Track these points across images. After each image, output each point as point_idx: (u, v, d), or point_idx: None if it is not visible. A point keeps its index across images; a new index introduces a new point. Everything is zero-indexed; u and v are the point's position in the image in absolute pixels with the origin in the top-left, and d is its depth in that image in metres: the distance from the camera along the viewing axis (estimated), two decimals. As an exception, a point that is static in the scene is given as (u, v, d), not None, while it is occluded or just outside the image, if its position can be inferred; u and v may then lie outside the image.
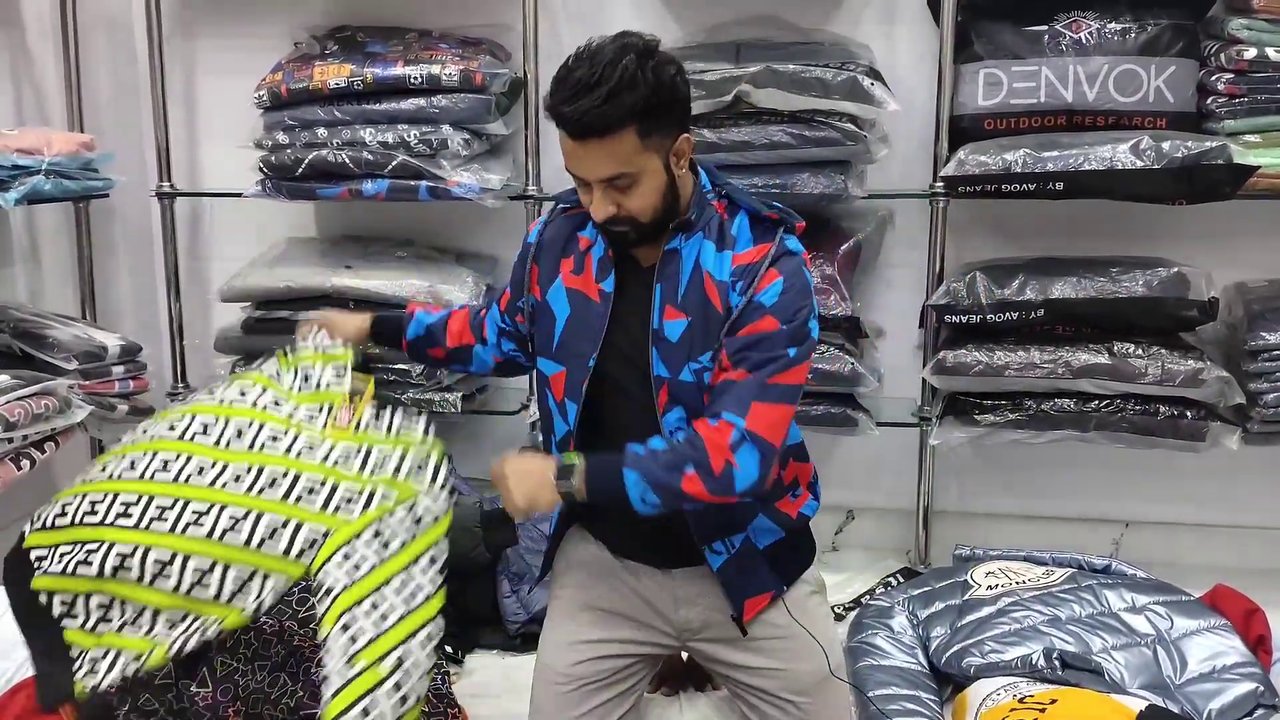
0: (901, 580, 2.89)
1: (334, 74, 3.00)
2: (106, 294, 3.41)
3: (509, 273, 3.24)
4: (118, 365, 3.00)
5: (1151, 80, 2.78)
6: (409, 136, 2.98)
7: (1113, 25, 2.79)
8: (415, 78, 2.96)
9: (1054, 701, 2.06)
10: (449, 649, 2.56)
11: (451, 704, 2.37)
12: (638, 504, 1.75)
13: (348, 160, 3.00)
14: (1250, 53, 2.68)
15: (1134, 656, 2.29)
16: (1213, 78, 2.75)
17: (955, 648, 2.38)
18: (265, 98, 3.07)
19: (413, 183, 2.99)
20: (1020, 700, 2.08)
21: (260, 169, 3.11)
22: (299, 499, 1.81)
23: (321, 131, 3.04)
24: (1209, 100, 2.77)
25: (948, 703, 2.34)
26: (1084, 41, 2.79)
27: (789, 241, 1.85)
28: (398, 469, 1.84)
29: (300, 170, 3.04)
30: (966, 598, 2.55)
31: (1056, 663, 2.22)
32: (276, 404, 1.95)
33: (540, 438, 3.04)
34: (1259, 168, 2.66)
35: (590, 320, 1.88)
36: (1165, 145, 2.66)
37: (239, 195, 3.19)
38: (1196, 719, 2.14)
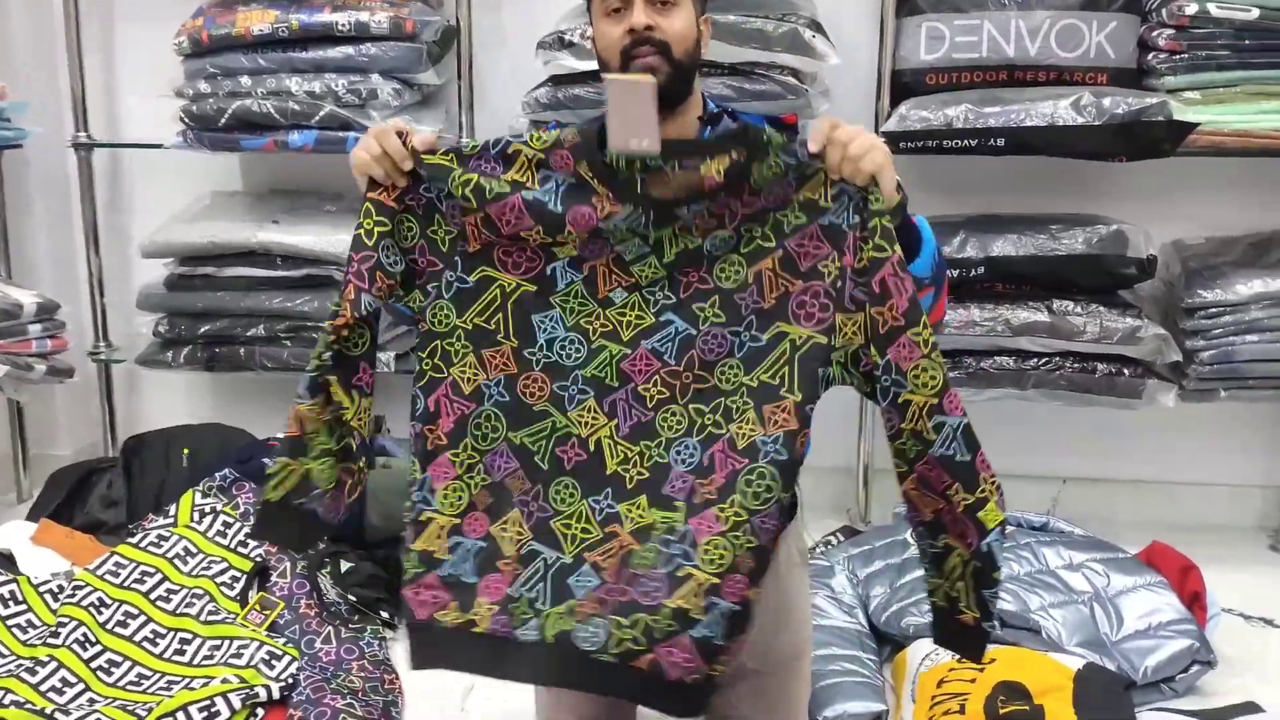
0: (841, 539, 2.89)
1: (258, 20, 2.89)
2: (22, 249, 3.29)
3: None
4: (34, 324, 2.91)
5: (1093, 35, 2.76)
6: (337, 86, 2.88)
7: (1055, -21, 2.76)
8: (343, 25, 2.86)
9: (992, 661, 2.06)
10: (384, 614, 2.50)
11: (389, 670, 2.33)
12: (927, 259, 1.67)
13: (273, 110, 2.90)
14: (1191, 8, 2.66)
15: (1071, 614, 2.29)
16: (1154, 33, 2.74)
17: (894, 607, 2.38)
18: (186, 45, 2.96)
19: (341, 134, 2.90)
20: (959, 660, 2.08)
21: (181, 119, 3.00)
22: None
23: (245, 80, 2.93)
24: (1150, 56, 2.76)
25: (887, 662, 2.34)
26: (1027, -5, 2.76)
27: None
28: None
29: (223, 121, 2.93)
30: (906, 556, 2.55)
31: (995, 621, 2.22)
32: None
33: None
34: (1198, 124, 2.65)
35: None
36: (1105, 101, 2.65)
37: (160, 146, 3.08)
38: (1133, 675, 2.16)
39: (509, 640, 1.62)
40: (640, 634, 1.55)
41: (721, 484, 1.58)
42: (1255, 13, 2.66)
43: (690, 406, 1.61)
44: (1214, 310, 2.76)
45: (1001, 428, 3.14)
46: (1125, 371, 2.79)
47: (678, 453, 1.62)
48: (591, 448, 1.62)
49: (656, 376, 1.61)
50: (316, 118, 2.88)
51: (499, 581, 1.64)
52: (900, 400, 1.57)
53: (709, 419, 1.61)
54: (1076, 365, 2.81)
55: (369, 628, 2.44)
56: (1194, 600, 2.35)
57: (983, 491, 1.60)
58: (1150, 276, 2.78)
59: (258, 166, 3.34)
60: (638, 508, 1.61)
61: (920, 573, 2.41)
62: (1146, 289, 2.92)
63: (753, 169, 1.53)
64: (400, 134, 1.61)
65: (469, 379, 1.65)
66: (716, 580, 1.55)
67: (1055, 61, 2.77)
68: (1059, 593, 2.37)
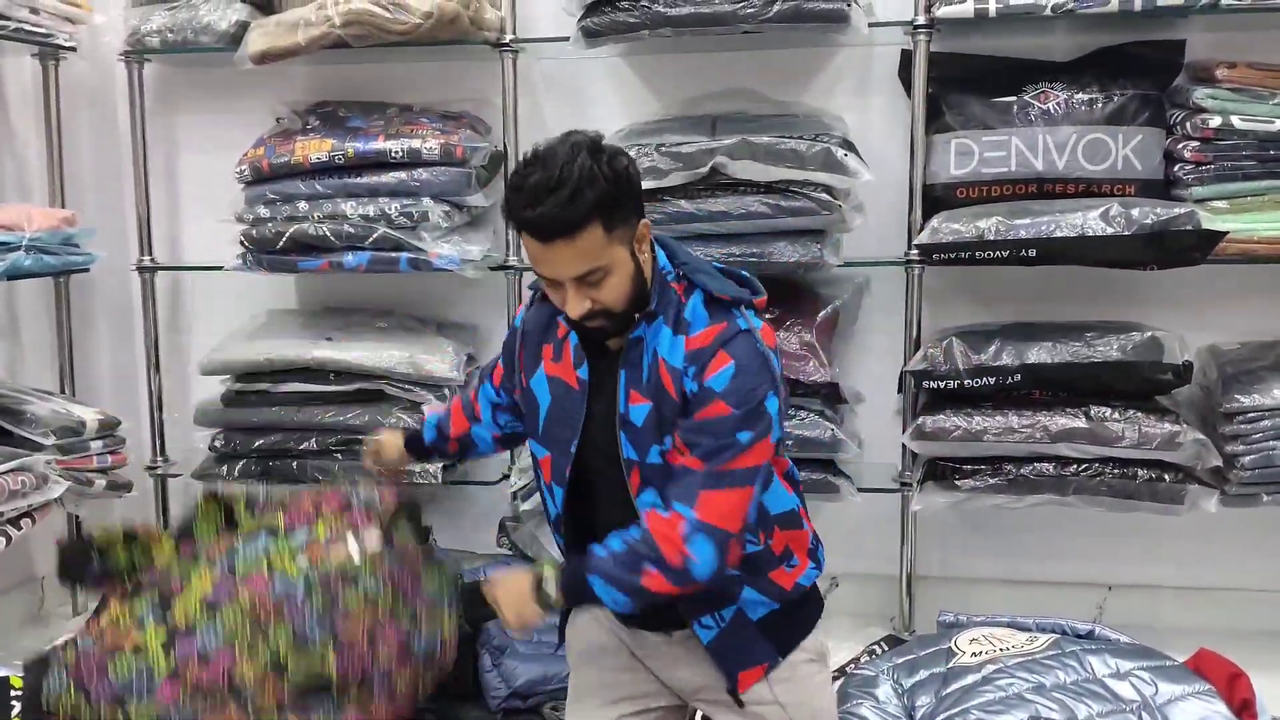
0: (886, 648, 2.88)
1: (315, 148, 3.03)
2: (86, 368, 3.40)
3: (490, 343, 3.34)
4: (96, 440, 2.99)
5: (1119, 149, 2.83)
6: (390, 209, 3.00)
7: (1080, 96, 2.85)
8: (396, 152, 3.00)
9: (1040, 770, 2.05)
10: (430, 725, 2.53)
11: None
12: (611, 605, 1.82)
13: (329, 233, 3.02)
14: (1215, 121, 2.73)
15: (1120, 723, 2.28)
16: (1179, 145, 2.81)
17: (940, 716, 2.37)
18: (247, 172, 3.10)
19: (393, 255, 3.01)
20: (1006, 769, 2.07)
21: (241, 242, 3.12)
22: None
23: (303, 205, 3.06)
24: (1176, 167, 2.83)
25: (934, 772, 2.32)
26: (1052, 112, 2.84)
27: (741, 320, 1.83)
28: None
29: (281, 243, 3.06)
30: (951, 665, 2.54)
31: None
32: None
33: (521, 505, 3.08)
34: (1227, 233, 2.70)
35: (570, 407, 1.90)
36: (1134, 212, 2.71)
37: (219, 269, 3.21)
38: (1183, 786, 2.13)
39: None
40: None
41: None
42: (1278, 124, 2.73)
43: None
44: (1253, 415, 2.77)
45: (1045, 534, 3.18)
46: (1166, 477, 2.80)
47: None
48: None
49: None
50: (370, 239, 3.00)
51: None
52: None
53: None
54: (1117, 471, 2.82)
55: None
56: (1243, 708, 2.32)
57: None
58: (1186, 382, 2.80)
59: (312, 285, 3.45)
60: None
61: (968, 681, 2.42)
62: (1183, 394, 2.93)
63: None
64: None
65: None
66: None
67: (1083, 174, 2.84)
68: (1107, 702, 2.35)
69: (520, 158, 3.01)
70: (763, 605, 1.95)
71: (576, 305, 1.76)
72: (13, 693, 2.37)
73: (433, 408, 2.33)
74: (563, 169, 1.69)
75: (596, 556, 1.80)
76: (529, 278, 3.18)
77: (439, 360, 3.11)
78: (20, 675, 2.45)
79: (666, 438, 1.82)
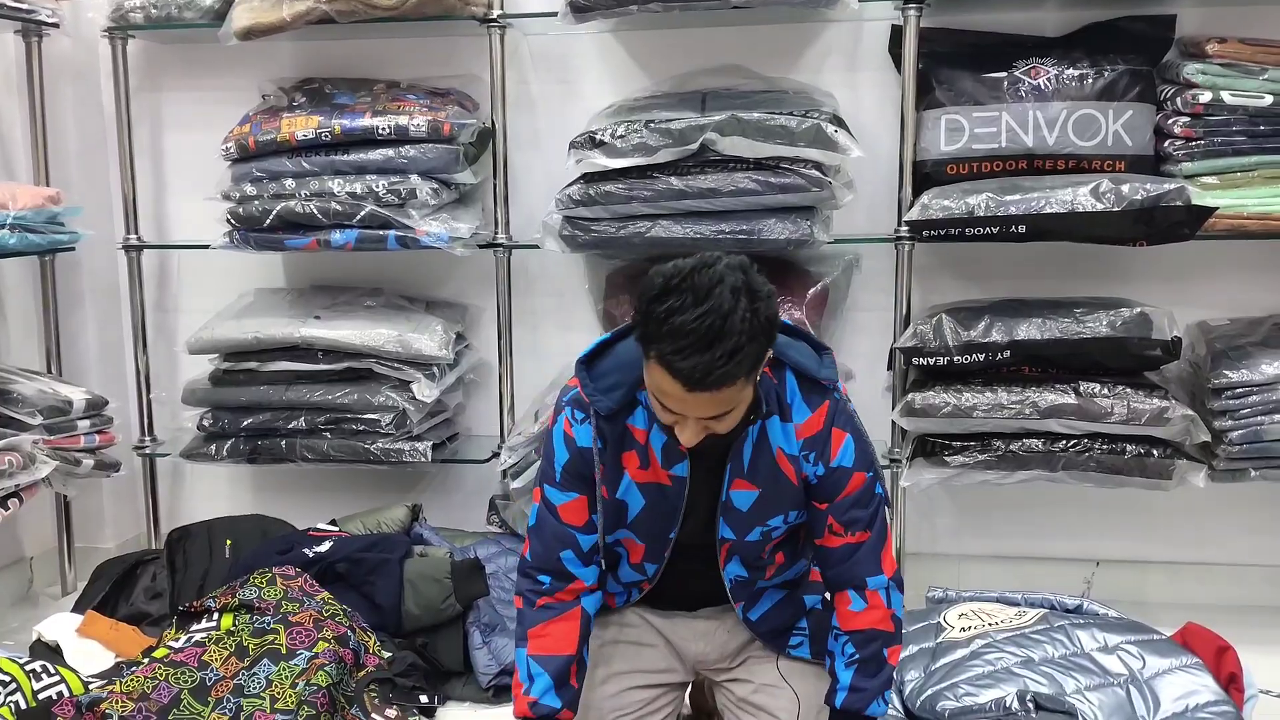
0: (875, 623, 2.89)
1: (302, 126, 3.01)
2: (73, 347, 3.39)
3: (479, 322, 3.33)
4: (83, 419, 2.98)
5: (1110, 124, 2.83)
6: (377, 186, 2.99)
7: (1070, 71, 2.84)
8: (383, 129, 2.98)
9: (1030, 744, 2.06)
10: (424, 699, 2.53)
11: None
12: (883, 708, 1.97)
13: (316, 211, 3.00)
14: (1205, 96, 2.73)
15: (1107, 697, 2.29)
16: (1169, 121, 2.80)
17: (929, 691, 2.38)
18: (233, 150, 3.08)
19: (381, 232, 3.00)
20: (995, 743, 2.08)
21: (228, 221, 3.10)
22: None
23: (289, 183, 3.04)
24: (1166, 143, 2.82)
25: (923, 747, 2.33)
26: (1043, 87, 2.84)
27: (835, 392, 1.90)
28: None
29: (268, 221, 3.04)
30: (940, 640, 2.55)
31: (1030, 705, 2.22)
32: None
33: (511, 483, 3.07)
34: (1217, 209, 2.70)
35: (667, 503, 1.93)
36: (1125, 188, 2.70)
37: (206, 247, 3.19)
38: (1171, 759, 2.15)
39: None
40: None
41: None
42: (1268, 99, 2.73)
43: None
44: (1241, 390, 2.77)
45: (1034, 510, 3.19)
46: (1154, 452, 2.80)
47: None
48: None
49: None
50: (358, 217, 2.98)
51: None
52: None
53: None
54: (1105, 447, 2.82)
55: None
56: (1230, 681, 2.34)
57: None
58: (1176, 358, 2.80)
59: (300, 264, 3.44)
60: None
61: (957, 656, 2.43)
62: (1172, 370, 2.94)
63: None
64: None
65: None
66: None
67: (1073, 150, 2.83)
68: (1095, 675, 2.36)
69: (507, 134, 2.97)
70: (818, 600, 2.11)
71: (692, 436, 1.74)
72: (1, 675, 2.36)
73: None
74: (726, 321, 1.60)
75: (847, 690, 1.94)
76: (519, 255, 3.19)
77: (428, 339, 3.10)
78: (10, 658, 2.45)
79: (772, 518, 1.91)
